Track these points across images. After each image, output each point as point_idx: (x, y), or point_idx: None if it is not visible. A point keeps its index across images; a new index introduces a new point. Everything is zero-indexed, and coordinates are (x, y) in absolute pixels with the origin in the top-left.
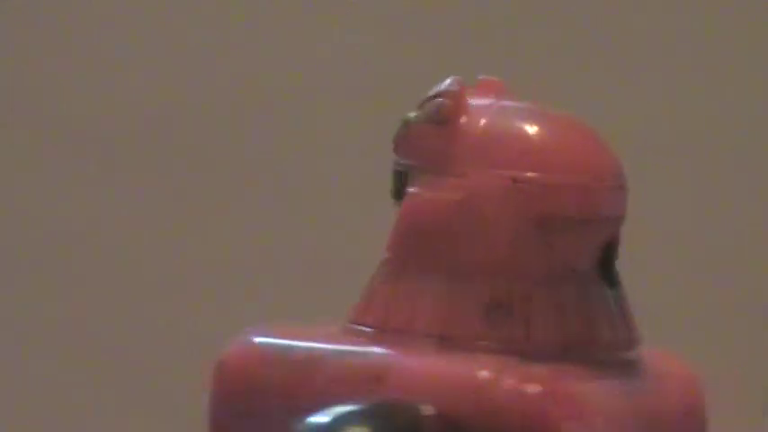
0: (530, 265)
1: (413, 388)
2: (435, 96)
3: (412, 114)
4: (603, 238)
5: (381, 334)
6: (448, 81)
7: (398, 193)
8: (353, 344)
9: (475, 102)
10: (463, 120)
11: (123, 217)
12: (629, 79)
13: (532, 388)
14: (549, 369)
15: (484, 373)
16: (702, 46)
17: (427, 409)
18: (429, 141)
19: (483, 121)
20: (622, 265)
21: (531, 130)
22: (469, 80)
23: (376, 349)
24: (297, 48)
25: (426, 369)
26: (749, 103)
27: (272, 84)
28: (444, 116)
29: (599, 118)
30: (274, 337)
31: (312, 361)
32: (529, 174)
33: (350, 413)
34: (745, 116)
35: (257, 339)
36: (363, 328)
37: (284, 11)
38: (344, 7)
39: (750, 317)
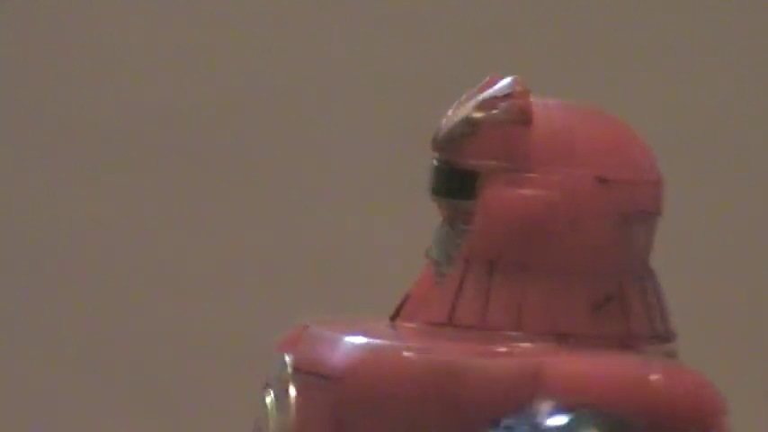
0: (620, 261)
1: (571, 386)
2: (504, 97)
3: (478, 115)
4: (656, 231)
5: (488, 334)
6: (508, 81)
7: (453, 192)
8: (475, 344)
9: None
10: (535, 119)
11: (124, 216)
12: (628, 79)
13: (689, 382)
14: (675, 363)
15: (639, 370)
16: (699, 47)
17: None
18: (509, 141)
19: (556, 120)
20: None
21: (604, 129)
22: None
23: (517, 349)
24: (297, 48)
25: (579, 366)
26: (747, 104)
27: (274, 84)
28: (528, 117)
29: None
30: (386, 340)
31: (454, 366)
32: (611, 172)
33: (585, 415)
34: (745, 116)
35: (378, 344)
36: (458, 329)
37: (288, 10)
38: (347, 7)
39: (750, 317)
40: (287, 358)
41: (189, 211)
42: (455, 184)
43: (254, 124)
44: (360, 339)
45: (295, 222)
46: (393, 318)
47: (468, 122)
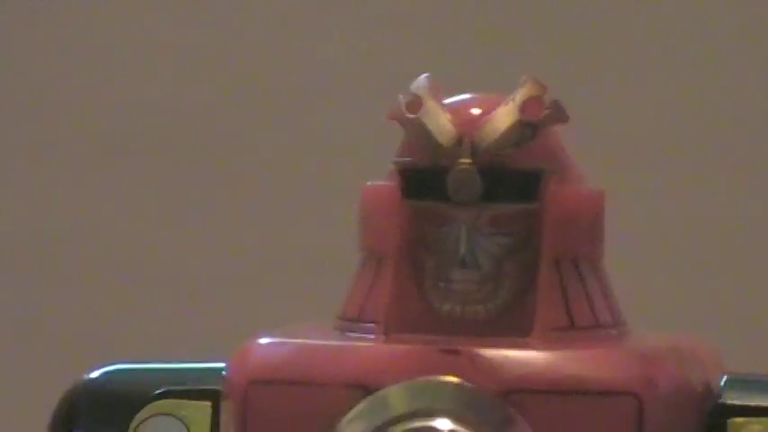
0: None
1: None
2: (540, 97)
3: (531, 117)
4: None
5: (608, 332)
6: (531, 80)
7: (508, 196)
8: (644, 344)
9: None
10: None
11: (124, 216)
12: (625, 79)
13: None
14: None
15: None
16: (690, 46)
17: None
18: (555, 139)
19: None
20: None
21: None
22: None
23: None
24: (297, 48)
25: (709, 350)
26: (743, 104)
27: (273, 84)
28: (567, 114)
29: (594, 118)
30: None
31: (694, 367)
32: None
33: None
34: (741, 115)
35: (648, 354)
36: (589, 332)
37: (288, 10)
38: (345, 7)
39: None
40: (454, 381)
41: (188, 211)
42: (511, 187)
43: (253, 124)
44: (624, 350)
45: (295, 222)
46: (386, 331)
47: (527, 125)
